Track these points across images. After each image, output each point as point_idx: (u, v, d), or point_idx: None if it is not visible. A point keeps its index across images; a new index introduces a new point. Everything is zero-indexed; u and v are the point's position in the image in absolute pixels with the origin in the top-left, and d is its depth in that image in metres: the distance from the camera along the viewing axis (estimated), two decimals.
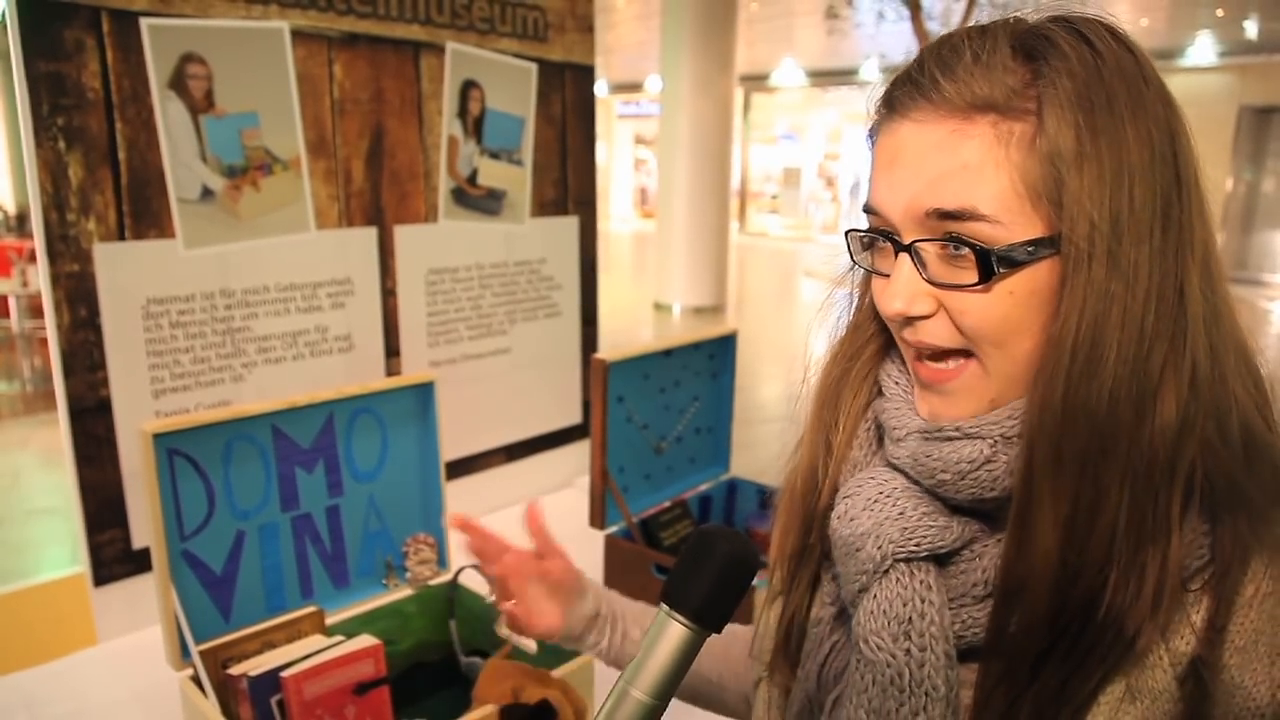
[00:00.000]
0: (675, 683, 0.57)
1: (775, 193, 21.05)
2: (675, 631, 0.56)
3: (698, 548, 0.58)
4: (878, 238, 0.65)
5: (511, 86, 2.00)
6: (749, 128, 19.86)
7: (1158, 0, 10.73)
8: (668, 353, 1.68)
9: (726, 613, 0.58)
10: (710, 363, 1.80)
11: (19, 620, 1.70)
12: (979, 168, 0.58)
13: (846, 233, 0.69)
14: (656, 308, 10.46)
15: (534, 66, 2.03)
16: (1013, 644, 0.60)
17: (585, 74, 2.15)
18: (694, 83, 9.58)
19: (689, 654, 0.57)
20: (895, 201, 0.62)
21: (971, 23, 0.65)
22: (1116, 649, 0.57)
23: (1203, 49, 13.09)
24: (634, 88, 20.71)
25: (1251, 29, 11.84)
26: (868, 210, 0.65)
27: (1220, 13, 10.99)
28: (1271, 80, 12.99)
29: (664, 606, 0.57)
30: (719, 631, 0.58)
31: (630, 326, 9.49)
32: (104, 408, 1.47)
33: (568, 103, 2.12)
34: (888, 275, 0.64)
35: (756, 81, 18.27)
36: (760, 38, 14.08)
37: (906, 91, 0.62)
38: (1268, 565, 0.57)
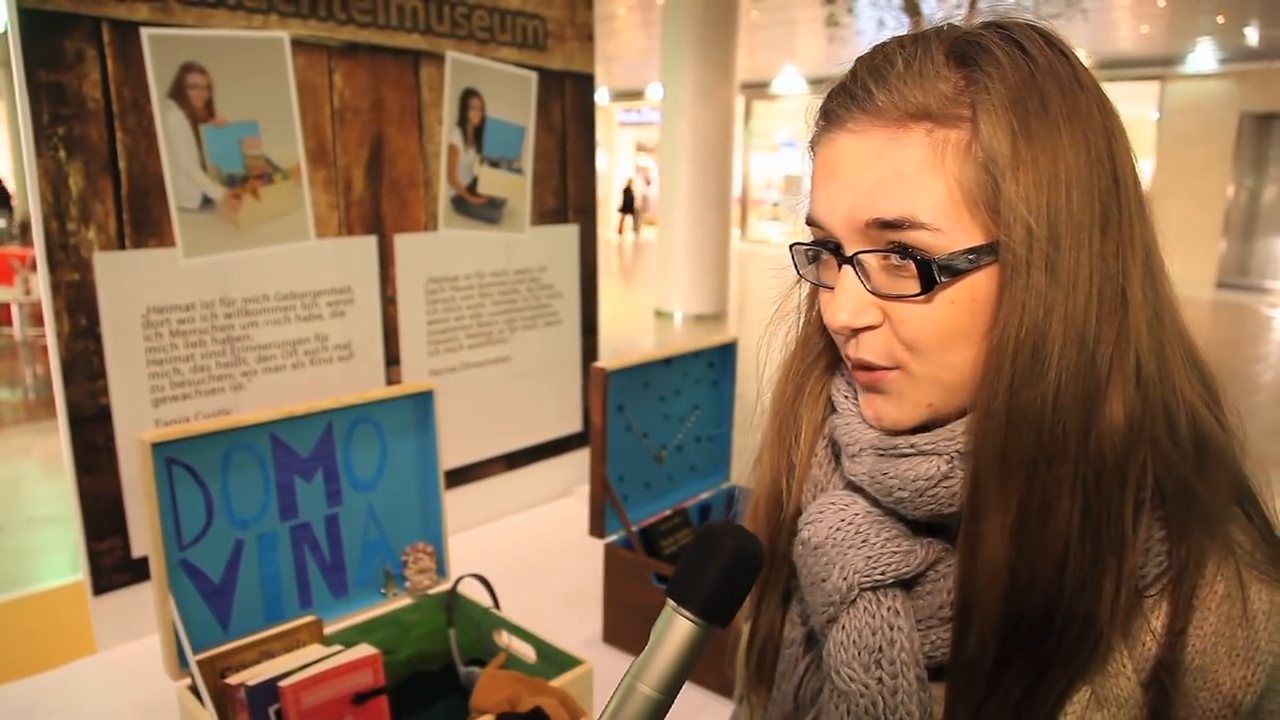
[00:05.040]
0: (682, 677, 0.57)
1: (776, 200, 21.06)
2: (682, 627, 0.56)
3: (703, 542, 0.58)
4: (822, 250, 0.65)
5: (511, 95, 2.00)
6: (750, 135, 19.88)
7: (1158, 7, 10.75)
8: (668, 361, 1.68)
9: (733, 607, 0.58)
10: (710, 371, 1.79)
11: (18, 629, 1.69)
12: (916, 176, 0.58)
13: (791, 246, 0.69)
14: (658, 315, 10.46)
15: (534, 75, 2.03)
16: (971, 656, 0.60)
17: (585, 82, 2.16)
18: (695, 90, 9.60)
19: (696, 649, 0.57)
20: (835, 213, 0.62)
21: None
22: (1079, 656, 0.57)
23: (1203, 56, 13.10)
24: (635, 95, 20.75)
25: (1252, 35, 11.85)
26: (810, 223, 0.65)
27: (1221, 19, 11.01)
28: (1272, 87, 12.98)
29: (670, 602, 0.57)
30: (725, 626, 0.58)
31: (631, 334, 9.49)
32: (104, 416, 1.47)
33: (568, 111, 2.13)
34: (833, 288, 0.64)
35: (757, 89, 18.31)
36: (761, 45, 14.12)
37: (841, 102, 0.62)
38: (1220, 566, 0.57)
